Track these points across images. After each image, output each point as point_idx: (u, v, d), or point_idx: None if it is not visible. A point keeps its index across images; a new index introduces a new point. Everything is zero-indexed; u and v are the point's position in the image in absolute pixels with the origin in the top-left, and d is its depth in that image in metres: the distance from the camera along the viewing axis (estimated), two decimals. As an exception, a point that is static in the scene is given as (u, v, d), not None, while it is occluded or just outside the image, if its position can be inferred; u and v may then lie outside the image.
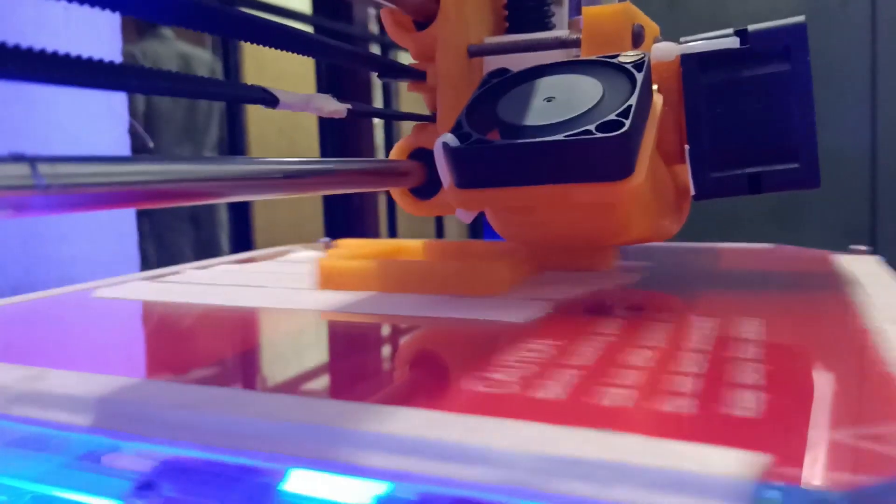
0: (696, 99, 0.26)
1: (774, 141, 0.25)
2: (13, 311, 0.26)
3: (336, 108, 0.24)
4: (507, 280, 0.25)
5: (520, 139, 0.22)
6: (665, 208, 0.28)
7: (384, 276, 0.26)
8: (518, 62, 0.28)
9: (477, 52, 0.30)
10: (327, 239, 0.44)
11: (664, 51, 0.26)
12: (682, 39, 0.26)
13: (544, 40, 0.29)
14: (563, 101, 0.23)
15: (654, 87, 0.26)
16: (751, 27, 0.25)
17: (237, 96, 0.21)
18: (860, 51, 0.99)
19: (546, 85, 0.24)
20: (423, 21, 0.29)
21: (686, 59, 0.26)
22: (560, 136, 0.21)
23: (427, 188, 0.30)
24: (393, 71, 0.28)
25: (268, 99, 0.21)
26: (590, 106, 0.22)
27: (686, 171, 0.26)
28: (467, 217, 0.24)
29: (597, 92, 0.23)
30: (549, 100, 0.23)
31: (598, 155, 0.21)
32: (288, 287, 0.28)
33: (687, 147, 0.26)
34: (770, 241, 0.40)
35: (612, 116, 0.21)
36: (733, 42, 0.25)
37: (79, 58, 0.14)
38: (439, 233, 2.27)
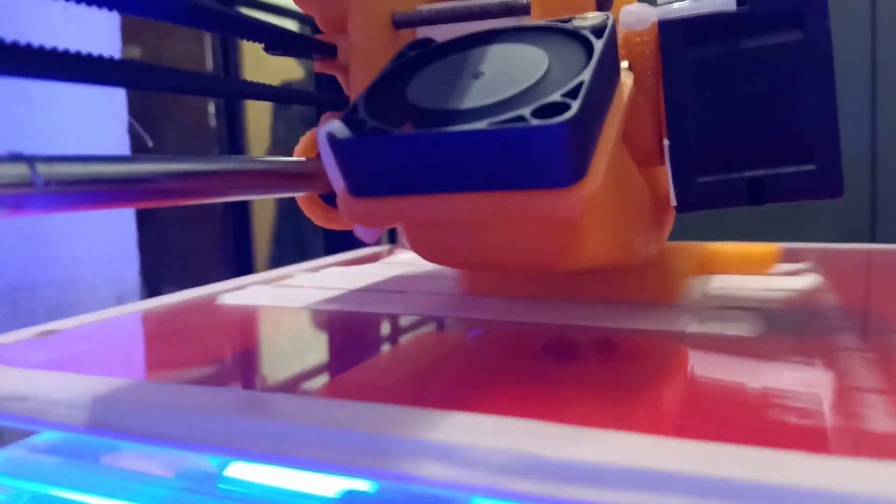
0: (680, 79, 0.20)
1: (783, 135, 0.19)
2: (147, 319, 0.26)
3: None
4: (684, 286, 0.24)
5: (431, 129, 0.15)
6: (637, 223, 0.22)
7: (538, 280, 0.24)
8: (458, 34, 0.22)
9: (405, 21, 0.24)
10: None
11: (636, 15, 0.19)
12: (660, 0, 0.20)
13: (487, 6, 0.23)
14: (494, 77, 0.17)
15: (624, 64, 0.20)
16: None
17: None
18: (860, 51, 0.96)
19: (475, 58, 0.18)
20: (334, -19, 0.23)
21: (666, 26, 0.20)
22: (482, 125, 0.15)
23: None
24: (290, 44, 0.22)
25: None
26: (528, 84, 0.16)
27: (666, 175, 0.20)
28: (369, 236, 0.18)
29: (540, 66, 0.16)
30: (476, 77, 0.17)
31: (535, 151, 0.15)
32: (430, 292, 0.27)
33: (666, 143, 0.20)
34: (769, 240, 0.36)
35: (556, 97, 0.15)
36: (728, 3, 0.19)
37: (90, 55, 0.14)
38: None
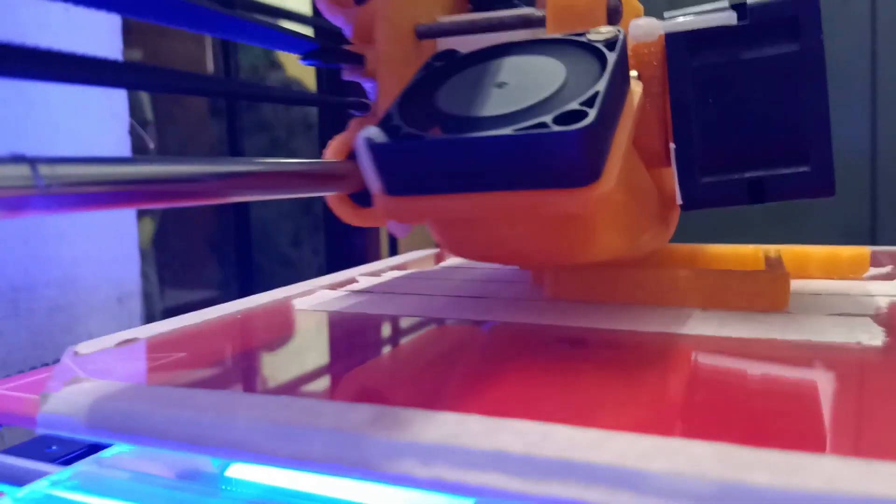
0: (684, 87, 0.21)
1: (780, 139, 0.21)
2: (225, 326, 0.25)
3: None
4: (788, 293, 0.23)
5: (461, 134, 0.17)
6: (645, 221, 0.23)
7: (632, 285, 0.23)
8: (477, 45, 0.24)
9: (427, 32, 0.25)
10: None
11: (644, 29, 0.21)
12: (666, 14, 0.21)
13: (505, 19, 0.24)
14: (516, 87, 0.18)
15: (634, 73, 0.22)
16: None
17: (337, 104, 0.23)
18: (860, 51, 0.97)
19: (498, 69, 0.20)
20: (363, -5, 0.25)
21: (671, 38, 0.21)
22: (508, 131, 0.16)
23: (370, 193, 0.26)
24: (324, 55, 0.23)
25: (363, 106, 0.24)
26: (548, 93, 0.18)
27: (672, 176, 0.22)
28: (401, 231, 0.20)
29: (558, 76, 0.18)
30: (500, 86, 0.19)
31: (555, 154, 0.16)
32: (504, 297, 0.26)
33: (672, 146, 0.22)
34: (769, 241, 0.36)
35: (574, 105, 0.16)
36: (729, 17, 0.21)
37: (93, 57, 0.14)
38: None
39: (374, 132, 0.18)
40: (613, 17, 0.22)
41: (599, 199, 0.16)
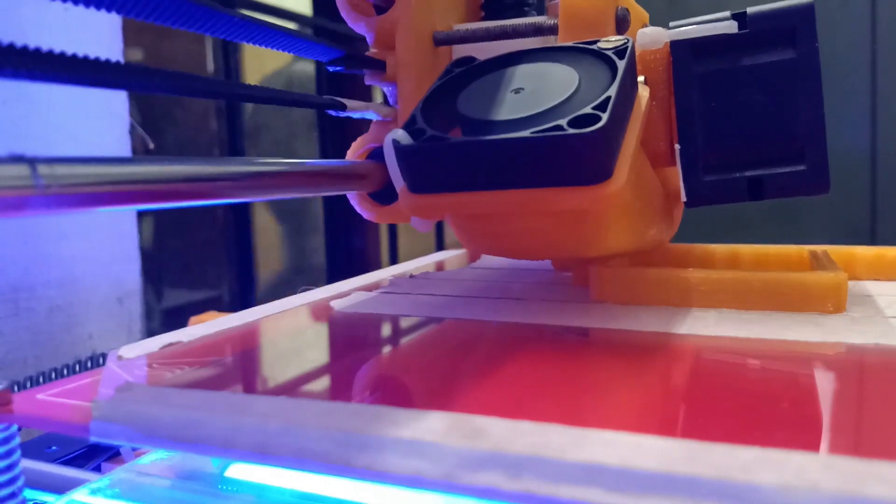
0: (688, 91, 0.23)
1: (778, 140, 0.22)
2: (265, 329, 0.24)
3: (388, 112, 0.26)
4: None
5: (481, 136, 0.18)
6: (651, 216, 0.25)
7: (681, 288, 0.23)
8: (490, 51, 0.25)
9: (444, 39, 0.27)
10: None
11: (651, 37, 0.23)
12: (671, 24, 0.23)
13: (518, 27, 0.26)
14: (532, 92, 0.20)
15: (641, 78, 0.23)
16: (750, 10, 0.22)
17: (308, 103, 0.23)
18: (860, 51, 0.97)
19: (515, 75, 0.21)
20: (383, 4, 0.26)
21: (676, 46, 0.23)
22: (526, 133, 0.18)
23: (388, 192, 0.27)
24: (349, 61, 0.25)
25: (336, 105, 0.24)
26: (563, 98, 0.19)
27: (677, 175, 0.23)
28: (423, 226, 0.21)
29: (572, 82, 0.19)
30: (516, 91, 0.20)
31: (570, 155, 0.18)
32: (548, 299, 0.25)
33: (677, 147, 0.23)
34: (770, 241, 0.37)
35: (588, 110, 0.18)
36: (730, 26, 0.22)
37: (93, 58, 0.14)
38: (440, 234, 2.23)
39: (400, 134, 0.19)
40: (622, 25, 0.24)
41: (611, 195, 0.18)
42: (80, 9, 0.15)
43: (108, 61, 0.14)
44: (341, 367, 0.20)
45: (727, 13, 0.22)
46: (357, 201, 0.27)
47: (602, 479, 0.11)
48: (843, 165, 0.96)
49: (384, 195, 0.27)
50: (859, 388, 0.16)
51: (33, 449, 0.27)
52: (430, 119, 0.20)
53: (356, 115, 0.25)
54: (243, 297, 1.05)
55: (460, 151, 0.19)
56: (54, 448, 0.28)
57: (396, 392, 0.18)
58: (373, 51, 0.27)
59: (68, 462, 0.27)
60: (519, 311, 0.24)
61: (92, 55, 0.14)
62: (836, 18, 0.95)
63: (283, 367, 0.20)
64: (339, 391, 0.18)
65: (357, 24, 0.26)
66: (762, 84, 0.22)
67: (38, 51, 0.12)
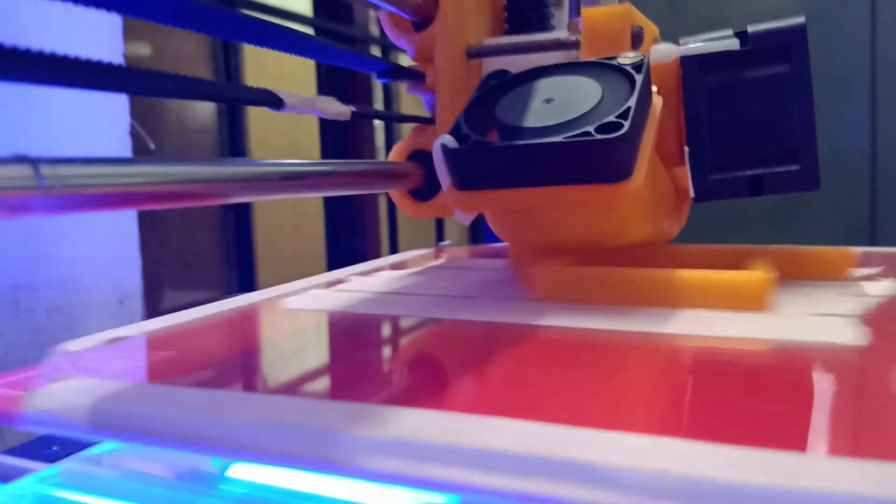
0: (696, 100, 0.26)
1: (774, 143, 0.25)
2: (219, 325, 0.24)
3: (340, 109, 0.24)
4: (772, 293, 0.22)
5: (519, 141, 0.22)
6: (665, 210, 0.28)
7: (623, 285, 0.24)
8: (517, 64, 0.28)
9: (476, 53, 0.30)
10: (449, 242, 0.43)
11: (664, 52, 0.26)
12: (681, 41, 0.26)
13: (543, 42, 0.29)
14: (562, 102, 0.23)
15: (654, 88, 0.26)
16: (750, 28, 0.25)
17: (242, 98, 0.21)
18: (860, 51, 0.98)
19: (545, 86, 0.24)
20: (422, 22, 0.29)
21: (686, 60, 0.26)
22: (559, 138, 0.21)
23: (426, 190, 0.30)
24: (392, 72, 0.28)
25: (273, 101, 0.21)
26: (589, 108, 0.22)
27: (686, 173, 0.26)
28: (466, 219, 0.24)
29: (596, 93, 0.23)
30: (548, 101, 0.23)
31: (597, 157, 0.21)
32: (495, 297, 0.25)
33: (686, 149, 0.26)
34: (770, 241, 0.39)
35: (612, 118, 0.21)
36: (733, 44, 0.25)
37: (84, 60, 0.14)
38: (439, 234, 2.27)
39: (447, 139, 0.22)
40: (637, 41, 0.27)
41: (631, 191, 0.21)
42: (80, 10, 0.15)
43: (106, 63, 0.14)
44: (271, 361, 0.21)
45: (730, 31, 0.25)
46: (398, 198, 0.31)
47: (493, 463, 0.12)
48: (843, 165, 0.97)
49: (422, 193, 0.31)
50: (761, 381, 0.17)
51: (34, 449, 0.27)
52: (472, 125, 0.23)
53: (300, 112, 0.24)
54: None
55: (501, 154, 0.22)
56: (55, 448, 0.27)
57: (317, 384, 0.18)
58: (413, 64, 0.30)
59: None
60: (466, 308, 0.24)
61: (92, 56, 0.14)
62: (836, 18, 0.97)
63: (217, 362, 0.20)
64: (264, 384, 0.18)
65: (399, 40, 0.29)
66: (761, 94, 0.25)
67: (38, 53, 0.12)
